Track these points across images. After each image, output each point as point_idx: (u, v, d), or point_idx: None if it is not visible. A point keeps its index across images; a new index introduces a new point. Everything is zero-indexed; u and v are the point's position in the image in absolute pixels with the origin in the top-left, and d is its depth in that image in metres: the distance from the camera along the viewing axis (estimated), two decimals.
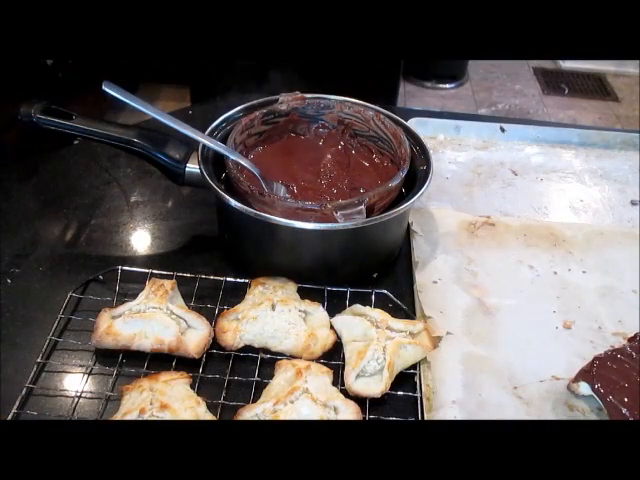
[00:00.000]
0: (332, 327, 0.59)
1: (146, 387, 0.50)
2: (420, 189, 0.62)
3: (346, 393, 0.53)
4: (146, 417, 0.48)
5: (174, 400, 0.49)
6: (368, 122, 0.71)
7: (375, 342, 0.55)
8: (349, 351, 0.56)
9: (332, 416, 0.50)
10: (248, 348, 0.57)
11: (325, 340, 0.57)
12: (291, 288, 0.61)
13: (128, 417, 0.48)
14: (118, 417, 0.49)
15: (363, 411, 0.52)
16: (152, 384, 0.51)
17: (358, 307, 0.59)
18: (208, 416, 0.50)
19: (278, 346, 0.56)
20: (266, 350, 0.57)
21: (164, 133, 0.65)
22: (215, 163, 0.64)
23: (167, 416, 0.48)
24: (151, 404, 0.49)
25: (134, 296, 0.58)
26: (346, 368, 0.55)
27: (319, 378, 0.52)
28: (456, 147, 0.88)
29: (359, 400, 0.52)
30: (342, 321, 0.58)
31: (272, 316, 0.56)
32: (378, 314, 0.58)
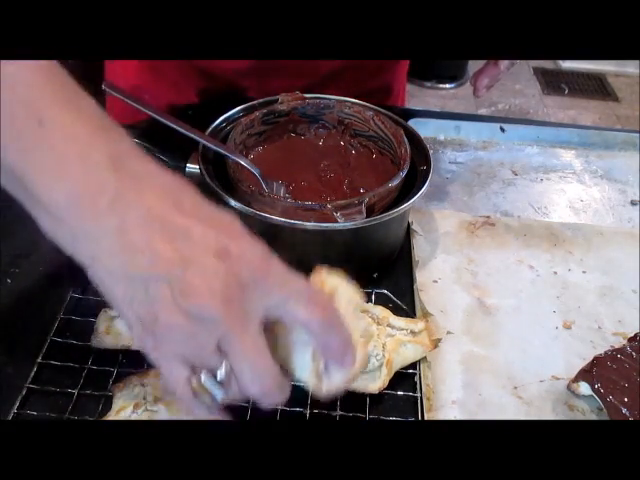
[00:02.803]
0: None
1: (137, 383, 0.51)
2: (420, 189, 0.62)
3: None
4: (141, 412, 0.48)
5: (167, 393, 0.50)
6: (368, 122, 0.71)
7: (375, 339, 0.55)
8: None
9: None
10: None
11: None
12: None
13: (122, 414, 0.48)
14: (112, 415, 0.49)
15: (363, 410, 0.52)
16: (143, 380, 0.51)
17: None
18: None
19: None
20: None
21: (164, 133, 0.65)
22: (215, 163, 0.64)
23: (162, 409, 0.48)
24: (144, 399, 0.49)
25: None
26: None
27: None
28: (456, 147, 0.89)
29: (358, 399, 0.53)
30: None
31: None
32: (379, 311, 0.58)
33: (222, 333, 0.37)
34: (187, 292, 0.36)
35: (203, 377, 0.39)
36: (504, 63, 0.69)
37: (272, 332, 0.42)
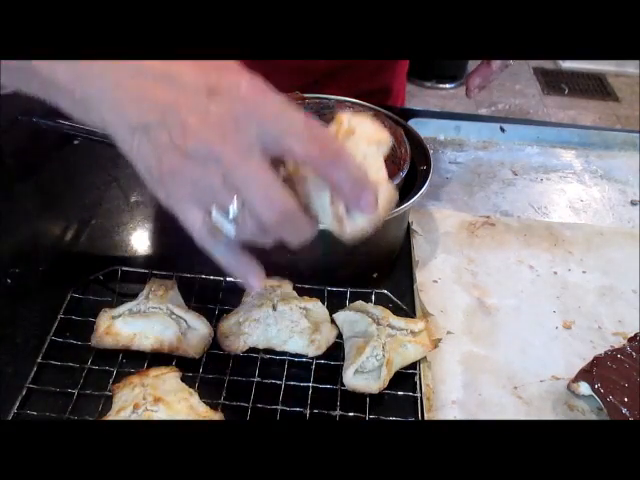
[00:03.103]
0: (333, 322, 0.59)
1: (137, 383, 0.50)
2: (420, 189, 0.62)
3: None
4: (141, 412, 0.48)
5: (167, 393, 0.50)
6: None
7: (375, 339, 0.55)
8: (349, 346, 0.56)
9: None
10: (249, 349, 0.57)
11: (328, 334, 0.57)
12: (288, 287, 0.61)
13: (122, 414, 0.48)
14: (112, 415, 0.49)
15: (363, 410, 0.52)
16: (143, 380, 0.51)
17: (360, 303, 0.59)
18: (202, 406, 0.50)
19: (282, 346, 0.56)
20: (270, 350, 0.57)
21: None
22: None
23: (162, 409, 0.48)
24: (144, 399, 0.49)
25: (134, 296, 0.58)
26: (345, 364, 0.55)
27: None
28: (456, 147, 0.89)
29: (358, 399, 0.53)
30: (344, 317, 0.58)
31: (274, 317, 0.56)
32: (380, 311, 0.58)
33: (225, 167, 0.37)
34: (182, 133, 0.36)
35: (214, 213, 0.38)
36: (496, 63, 0.69)
37: (291, 180, 0.41)
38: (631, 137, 0.90)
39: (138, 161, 0.39)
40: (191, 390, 0.51)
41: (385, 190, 0.42)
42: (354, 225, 0.41)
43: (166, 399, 0.49)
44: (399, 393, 0.54)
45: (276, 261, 0.63)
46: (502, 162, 0.86)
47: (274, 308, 0.57)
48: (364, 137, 0.42)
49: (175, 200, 0.39)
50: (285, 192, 0.38)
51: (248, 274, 0.42)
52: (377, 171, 0.42)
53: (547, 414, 0.54)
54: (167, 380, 0.51)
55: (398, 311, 0.61)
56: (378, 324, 0.57)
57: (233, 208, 0.38)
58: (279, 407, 0.52)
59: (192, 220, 0.39)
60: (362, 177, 0.39)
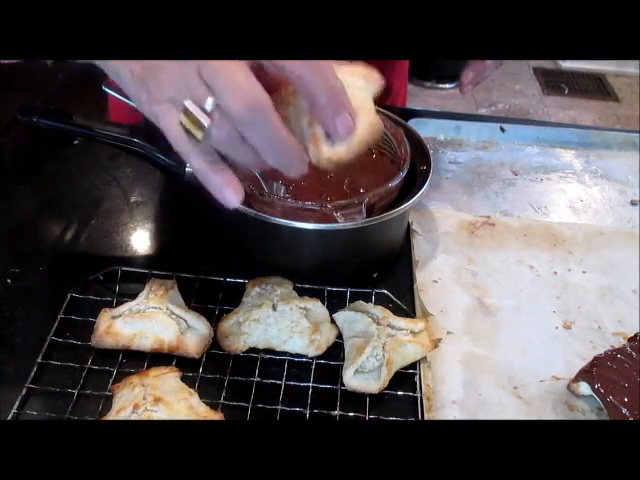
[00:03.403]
0: (333, 322, 0.59)
1: (137, 383, 0.50)
2: (420, 189, 0.62)
3: None
4: (141, 412, 0.48)
5: (167, 393, 0.50)
6: None
7: (375, 339, 0.55)
8: (349, 346, 0.56)
9: None
10: (249, 348, 0.57)
11: (328, 334, 0.57)
12: (288, 287, 0.61)
13: (122, 414, 0.48)
14: (112, 415, 0.49)
15: (363, 410, 0.52)
16: (143, 380, 0.51)
17: (360, 303, 0.59)
18: (202, 406, 0.50)
19: (282, 346, 0.56)
20: (270, 350, 0.57)
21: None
22: None
23: (162, 409, 0.48)
24: (144, 399, 0.49)
25: (134, 296, 0.58)
26: (345, 364, 0.55)
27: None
28: (456, 147, 0.89)
29: (358, 399, 0.53)
30: (344, 317, 0.58)
31: (274, 317, 0.56)
32: (380, 311, 0.58)
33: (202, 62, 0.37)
34: None
35: (187, 102, 0.38)
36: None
37: None
38: (631, 137, 0.90)
39: (125, 69, 0.40)
40: (191, 390, 0.51)
41: (367, 117, 0.41)
42: (332, 149, 0.40)
43: (166, 399, 0.49)
44: (399, 393, 0.54)
45: (276, 261, 0.63)
46: (502, 162, 0.86)
47: (274, 308, 0.57)
48: (351, 71, 0.42)
49: (157, 102, 0.40)
50: (259, 86, 0.38)
51: (225, 186, 0.41)
52: (361, 100, 0.41)
53: (547, 414, 0.54)
54: (167, 380, 0.51)
55: (398, 311, 0.61)
56: (378, 324, 0.57)
57: (208, 101, 0.38)
58: (279, 407, 0.52)
59: (170, 119, 0.39)
60: (341, 91, 0.39)
